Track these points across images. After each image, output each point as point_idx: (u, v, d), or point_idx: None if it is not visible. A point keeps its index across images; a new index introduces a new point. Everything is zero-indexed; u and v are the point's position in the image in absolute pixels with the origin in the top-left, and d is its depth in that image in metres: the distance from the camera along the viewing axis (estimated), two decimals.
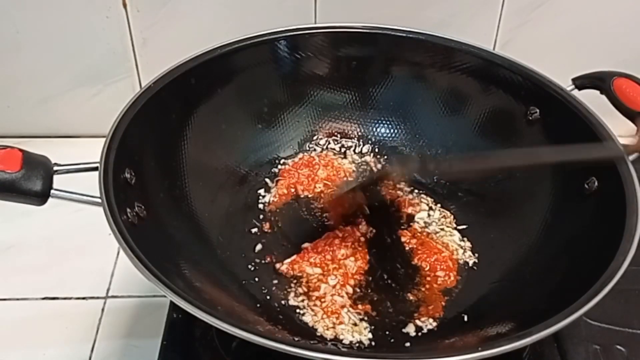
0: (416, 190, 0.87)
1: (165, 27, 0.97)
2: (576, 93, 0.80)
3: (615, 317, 0.76)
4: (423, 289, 0.75)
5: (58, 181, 0.64)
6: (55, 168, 0.65)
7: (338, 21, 0.87)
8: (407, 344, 0.69)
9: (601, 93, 0.80)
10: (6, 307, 0.82)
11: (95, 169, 0.65)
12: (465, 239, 0.81)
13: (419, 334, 0.71)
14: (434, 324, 0.72)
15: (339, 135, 0.92)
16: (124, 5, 0.95)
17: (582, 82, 0.81)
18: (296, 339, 0.67)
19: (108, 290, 0.84)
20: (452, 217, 0.84)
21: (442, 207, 0.85)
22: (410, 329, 0.71)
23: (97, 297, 0.83)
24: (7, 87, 1.02)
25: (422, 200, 0.86)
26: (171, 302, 0.63)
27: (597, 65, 0.83)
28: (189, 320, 0.74)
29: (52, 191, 0.63)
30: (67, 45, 0.98)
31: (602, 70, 0.82)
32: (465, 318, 0.72)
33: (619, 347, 0.73)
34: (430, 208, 0.85)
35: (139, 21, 0.96)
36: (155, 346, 0.73)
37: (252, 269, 0.76)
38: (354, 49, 0.88)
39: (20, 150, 0.64)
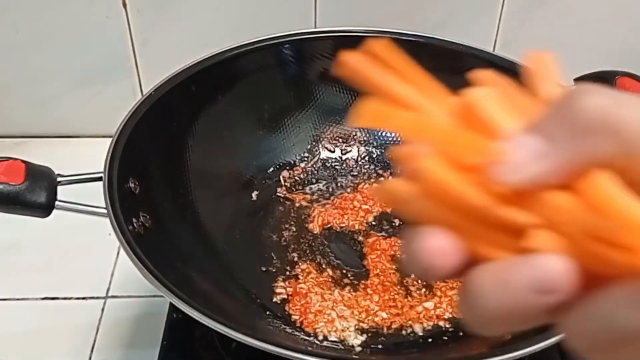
0: None
1: (165, 27, 0.96)
2: None
3: None
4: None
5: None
6: (59, 179, 0.64)
7: (338, 24, 0.87)
8: (414, 350, 0.70)
9: None
10: (6, 307, 0.82)
11: (99, 179, 0.65)
12: None
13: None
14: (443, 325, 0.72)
15: (340, 140, 0.92)
16: (124, 5, 0.94)
17: (584, 82, 0.81)
18: (300, 341, 0.68)
19: (108, 290, 0.84)
20: None
21: None
22: (418, 331, 0.71)
23: (97, 297, 0.83)
24: (6, 87, 1.02)
25: None
26: (171, 302, 0.63)
27: (598, 65, 0.83)
28: (188, 321, 0.73)
29: (56, 202, 0.63)
30: (67, 46, 0.98)
31: (604, 69, 0.81)
32: None
33: None
34: None
35: (139, 21, 0.96)
36: (155, 346, 0.73)
37: (258, 275, 0.76)
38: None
39: (23, 161, 0.64)
